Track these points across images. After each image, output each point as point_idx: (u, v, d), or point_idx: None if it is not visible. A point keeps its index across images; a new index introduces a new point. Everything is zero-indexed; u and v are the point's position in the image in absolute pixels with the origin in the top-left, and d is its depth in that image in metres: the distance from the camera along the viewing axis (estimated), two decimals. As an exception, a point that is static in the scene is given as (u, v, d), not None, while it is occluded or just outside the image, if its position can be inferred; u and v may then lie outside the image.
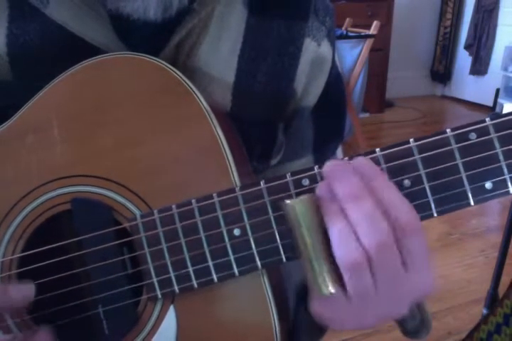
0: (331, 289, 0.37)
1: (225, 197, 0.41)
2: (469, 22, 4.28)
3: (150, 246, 0.42)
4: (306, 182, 0.40)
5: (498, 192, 0.38)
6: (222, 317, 0.43)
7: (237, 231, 0.41)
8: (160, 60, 0.44)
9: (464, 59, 4.44)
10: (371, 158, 0.38)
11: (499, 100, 3.94)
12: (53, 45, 0.47)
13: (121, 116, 0.44)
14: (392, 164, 0.39)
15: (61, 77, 0.45)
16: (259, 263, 0.41)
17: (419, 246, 0.37)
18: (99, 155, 0.44)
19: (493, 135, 0.37)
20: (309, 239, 0.37)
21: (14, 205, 0.45)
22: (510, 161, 0.38)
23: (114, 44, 0.47)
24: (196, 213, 0.41)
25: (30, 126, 0.45)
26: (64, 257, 0.44)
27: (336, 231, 0.36)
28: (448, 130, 0.38)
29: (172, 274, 0.42)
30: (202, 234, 0.41)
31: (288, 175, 0.40)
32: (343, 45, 2.88)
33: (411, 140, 0.39)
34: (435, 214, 0.39)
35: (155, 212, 0.42)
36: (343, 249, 0.36)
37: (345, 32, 3.09)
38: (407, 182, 0.39)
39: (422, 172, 0.38)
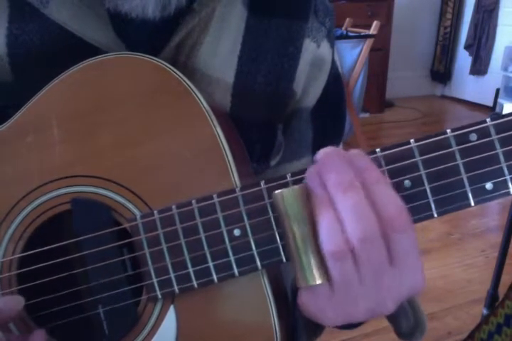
0: (318, 279, 0.37)
1: (225, 198, 0.41)
2: (469, 22, 4.28)
3: (150, 246, 0.42)
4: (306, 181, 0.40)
5: (498, 192, 0.38)
6: (222, 317, 0.43)
7: (237, 232, 0.41)
8: (160, 60, 0.44)
9: (464, 59, 4.44)
10: (371, 159, 0.38)
11: (499, 100, 3.94)
12: (53, 45, 0.47)
13: (121, 116, 0.44)
14: (392, 165, 0.38)
15: (61, 77, 0.45)
16: (259, 263, 0.41)
17: (406, 242, 0.36)
18: (99, 155, 0.44)
19: (494, 136, 0.37)
20: (297, 229, 0.37)
21: (14, 205, 0.45)
22: (510, 162, 0.37)
23: (113, 44, 0.47)
24: (196, 214, 0.41)
25: (30, 126, 0.45)
26: (64, 258, 0.44)
27: (324, 220, 0.36)
28: (448, 130, 0.38)
29: (172, 275, 0.42)
30: (202, 235, 0.41)
31: (288, 176, 0.40)
32: (343, 45, 2.88)
33: (411, 140, 0.38)
34: (435, 215, 0.39)
35: (155, 212, 0.42)
36: (329, 238, 0.36)
37: (345, 32, 3.09)
38: (407, 183, 0.38)
39: (423, 172, 0.38)
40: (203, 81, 0.49)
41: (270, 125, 0.54)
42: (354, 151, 0.37)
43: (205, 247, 0.41)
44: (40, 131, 0.45)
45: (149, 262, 0.42)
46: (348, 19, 3.23)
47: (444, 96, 4.73)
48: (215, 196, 0.41)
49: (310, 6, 0.54)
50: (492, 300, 1.46)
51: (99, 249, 0.43)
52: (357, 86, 3.02)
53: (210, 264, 0.41)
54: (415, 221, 0.38)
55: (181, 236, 0.42)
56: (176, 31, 0.48)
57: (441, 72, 4.66)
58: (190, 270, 0.42)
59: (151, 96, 0.44)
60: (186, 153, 0.43)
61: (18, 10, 0.46)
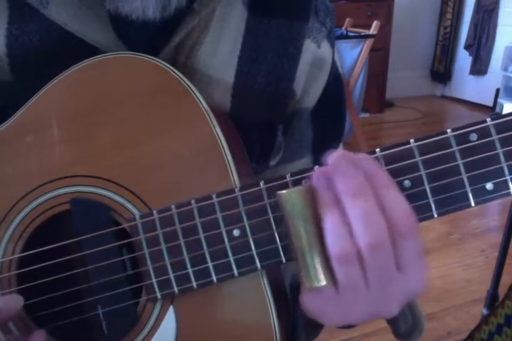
0: (323, 281, 0.37)
1: (224, 198, 0.41)
2: (469, 22, 4.28)
3: (149, 246, 0.42)
4: (306, 182, 0.40)
5: (499, 193, 0.38)
6: (221, 317, 0.43)
7: (236, 232, 0.41)
8: (159, 60, 0.44)
9: (464, 59, 4.44)
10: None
11: (499, 100, 3.94)
12: (53, 45, 0.46)
13: (121, 116, 0.44)
14: (392, 165, 0.38)
15: (60, 77, 0.45)
16: (258, 264, 0.41)
17: (413, 247, 0.36)
18: (98, 155, 0.44)
19: (494, 136, 0.37)
20: (303, 230, 0.37)
21: (14, 205, 0.45)
22: (511, 162, 0.37)
23: (113, 44, 0.47)
24: (196, 214, 0.41)
25: (29, 126, 0.45)
26: (63, 258, 0.44)
27: (330, 221, 0.36)
28: (448, 130, 0.38)
29: (171, 275, 0.42)
30: (201, 235, 0.41)
31: (288, 176, 0.40)
32: (343, 45, 2.88)
33: (411, 140, 0.38)
34: (435, 215, 0.39)
35: (154, 212, 0.42)
36: (335, 240, 0.36)
37: (345, 32, 3.09)
38: (407, 183, 0.38)
39: (423, 172, 0.38)
40: (202, 81, 0.49)
41: (270, 125, 0.54)
42: (362, 155, 0.37)
43: (205, 247, 0.41)
44: (39, 131, 0.45)
45: (148, 262, 0.42)
46: (348, 19, 3.23)
47: (444, 96, 4.73)
48: (214, 196, 0.41)
49: (310, 7, 0.54)
50: (492, 300, 1.46)
51: (99, 249, 0.43)
52: (357, 86, 3.02)
53: (210, 264, 0.41)
54: None
55: (180, 237, 0.42)
56: (176, 31, 0.48)
57: (441, 72, 4.66)
58: (190, 270, 0.42)
59: (151, 97, 0.44)
60: (186, 153, 0.43)
61: (17, 10, 0.46)
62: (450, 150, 0.38)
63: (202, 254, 0.41)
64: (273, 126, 0.55)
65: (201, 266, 0.42)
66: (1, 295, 0.45)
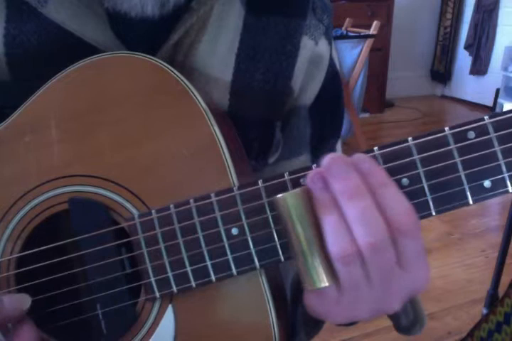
0: (325, 282, 0.37)
1: (222, 197, 0.41)
2: (469, 22, 4.28)
3: (148, 246, 0.42)
4: (304, 181, 0.39)
5: (497, 191, 0.38)
6: (220, 316, 0.43)
7: (235, 231, 0.41)
8: (157, 59, 0.44)
9: (463, 59, 4.44)
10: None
11: (499, 100, 3.94)
12: (51, 44, 0.46)
13: (119, 116, 0.44)
14: (390, 163, 0.38)
15: (58, 76, 0.44)
16: (257, 262, 0.41)
17: (415, 245, 0.36)
18: (96, 154, 0.44)
19: (492, 133, 0.37)
20: (302, 232, 0.37)
21: (12, 205, 0.45)
22: (508, 160, 0.37)
23: (112, 43, 0.47)
24: (194, 213, 0.41)
25: (27, 126, 0.45)
26: (62, 258, 0.44)
27: (329, 222, 0.36)
28: (446, 128, 0.38)
29: (170, 274, 0.42)
30: (200, 234, 0.41)
31: (286, 175, 0.40)
32: (343, 45, 2.88)
33: (409, 138, 0.38)
34: (434, 213, 0.39)
35: (153, 211, 0.42)
36: (335, 241, 0.36)
37: (345, 32, 3.09)
38: (405, 181, 0.38)
39: (421, 170, 0.38)
40: (200, 80, 0.49)
41: (268, 123, 0.54)
42: (359, 155, 0.37)
43: (203, 246, 0.41)
44: (37, 130, 0.45)
45: (147, 261, 0.42)
46: (348, 19, 3.23)
47: (444, 96, 4.73)
48: (212, 195, 0.41)
49: (308, 4, 0.54)
50: (492, 300, 1.46)
51: (97, 248, 0.43)
52: (357, 86, 3.02)
53: (208, 263, 0.41)
54: None
55: (179, 236, 0.42)
56: (174, 29, 0.48)
57: (441, 72, 4.66)
58: (188, 269, 0.42)
59: (149, 96, 0.44)
60: (184, 152, 0.43)
61: (15, 9, 0.46)
62: (448, 148, 0.38)
63: (200, 253, 0.41)
64: (271, 123, 0.55)
65: (200, 265, 0.42)
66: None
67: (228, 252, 0.41)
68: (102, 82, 0.44)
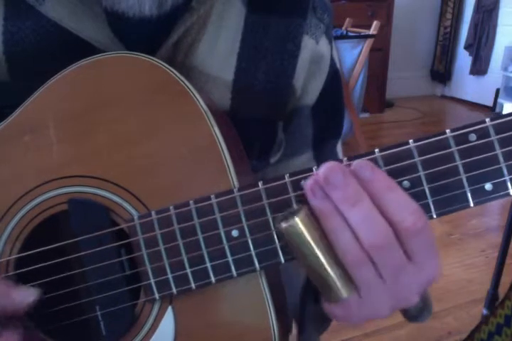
0: (347, 292, 0.38)
1: (223, 199, 0.41)
2: (469, 22, 4.28)
3: (148, 247, 0.42)
4: (304, 183, 0.39)
5: (498, 193, 0.38)
6: (220, 318, 0.43)
7: (235, 233, 0.41)
8: (156, 59, 0.43)
9: (463, 59, 4.44)
10: (370, 159, 0.38)
11: (499, 100, 3.95)
12: (49, 42, 0.46)
13: (118, 116, 0.44)
14: (391, 165, 0.38)
15: (57, 76, 0.44)
16: (257, 264, 0.41)
17: (423, 241, 0.37)
18: (95, 155, 0.44)
19: (493, 136, 0.37)
20: (318, 249, 0.37)
21: (11, 206, 0.45)
22: (510, 162, 0.37)
23: (110, 42, 0.47)
24: (194, 214, 0.41)
25: (26, 126, 0.45)
26: (61, 259, 0.43)
27: (337, 235, 0.37)
28: (447, 131, 0.38)
29: (170, 275, 0.42)
30: (200, 236, 0.41)
31: (286, 176, 0.40)
32: (343, 45, 2.88)
33: (410, 141, 0.38)
34: (434, 216, 0.39)
35: (152, 213, 0.42)
36: (345, 249, 0.37)
37: (345, 32, 3.09)
38: (406, 184, 0.38)
39: (422, 173, 0.38)
40: (200, 79, 0.49)
41: (271, 122, 0.54)
42: (357, 162, 0.37)
43: (203, 248, 0.41)
44: (37, 130, 0.45)
45: (147, 263, 0.42)
46: (348, 19, 3.23)
47: (444, 96, 4.73)
48: (212, 197, 0.41)
49: (308, 3, 0.54)
50: (492, 300, 1.46)
51: (97, 249, 0.43)
52: (357, 86, 3.02)
53: (208, 265, 0.41)
54: None
55: (179, 237, 0.42)
56: (173, 29, 0.48)
57: (441, 72, 4.66)
58: (188, 271, 0.42)
59: (148, 96, 0.44)
60: (184, 152, 0.43)
61: (13, 7, 0.46)
62: (449, 150, 0.38)
63: (200, 255, 0.41)
64: (274, 123, 0.55)
65: (200, 267, 0.41)
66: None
67: (228, 254, 0.41)
68: (101, 82, 0.44)
